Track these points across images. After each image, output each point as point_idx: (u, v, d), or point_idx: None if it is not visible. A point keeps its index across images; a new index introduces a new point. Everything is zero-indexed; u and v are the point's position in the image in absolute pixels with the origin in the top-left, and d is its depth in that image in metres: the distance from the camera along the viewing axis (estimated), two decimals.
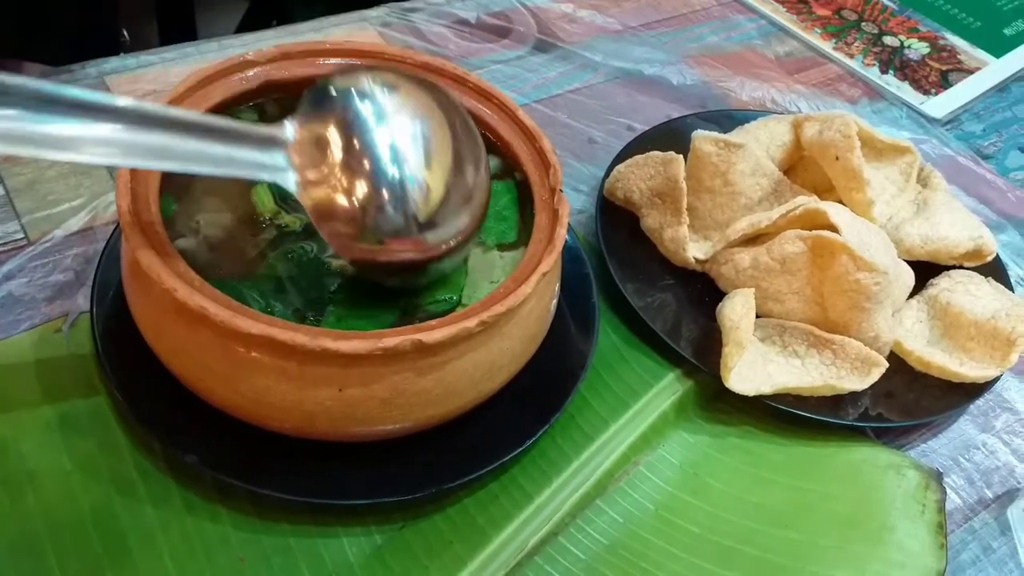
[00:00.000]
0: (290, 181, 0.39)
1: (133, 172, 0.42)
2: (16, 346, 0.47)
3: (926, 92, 0.81)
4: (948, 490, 0.51)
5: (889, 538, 0.47)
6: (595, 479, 0.48)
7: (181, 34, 1.30)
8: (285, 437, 0.43)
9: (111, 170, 0.57)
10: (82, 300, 0.50)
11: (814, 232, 0.52)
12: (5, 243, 0.52)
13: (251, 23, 1.24)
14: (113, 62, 0.64)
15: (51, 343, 0.48)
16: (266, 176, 0.40)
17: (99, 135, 0.34)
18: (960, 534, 0.50)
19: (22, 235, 0.53)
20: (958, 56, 0.86)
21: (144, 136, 0.35)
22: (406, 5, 0.76)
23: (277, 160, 0.39)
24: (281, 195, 0.46)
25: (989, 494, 0.52)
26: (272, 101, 0.48)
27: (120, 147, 0.35)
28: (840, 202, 0.57)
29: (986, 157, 0.76)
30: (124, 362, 0.45)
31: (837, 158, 0.56)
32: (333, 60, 0.50)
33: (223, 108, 0.47)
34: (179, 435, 0.43)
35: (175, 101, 0.44)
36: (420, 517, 0.45)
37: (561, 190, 0.47)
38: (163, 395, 0.43)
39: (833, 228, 0.52)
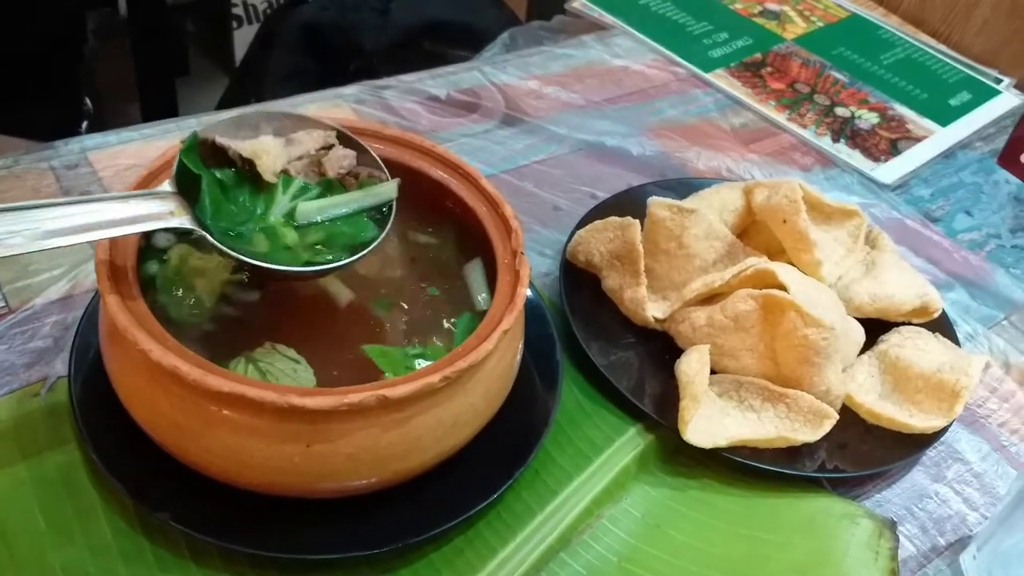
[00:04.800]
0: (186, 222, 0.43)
1: (112, 241, 0.44)
2: None
3: (876, 159, 0.85)
4: (902, 538, 0.53)
5: None
6: (559, 532, 0.49)
7: (163, 111, 1.34)
8: (255, 494, 0.44)
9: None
10: (60, 365, 0.51)
11: (764, 291, 0.54)
12: None
13: (231, 100, 1.28)
14: (96, 138, 0.67)
15: (29, 407, 0.49)
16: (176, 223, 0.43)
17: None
18: None
19: (3, 304, 0.54)
20: (906, 125, 0.91)
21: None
22: (379, 83, 0.80)
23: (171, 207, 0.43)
24: None
25: (942, 542, 0.54)
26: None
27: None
28: (790, 263, 0.60)
29: (935, 220, 0.80)
30: (99, 423, 0.46)
31: (785, 221, 0.59)
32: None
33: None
34: (151, 493, 0.44)
35: (152, 175, 0.47)
36: (388, 572, 0.46)
37: (522, 252, 0.49)
38: (137, 455, 0.45)
39: (782, 287, 0.55)
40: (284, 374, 0.45)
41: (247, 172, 0.47)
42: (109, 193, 0.42)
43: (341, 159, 0.49)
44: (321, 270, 0.46)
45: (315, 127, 0.49)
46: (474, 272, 0.52)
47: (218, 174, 0.46)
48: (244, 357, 0.46)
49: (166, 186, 0.44)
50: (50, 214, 0.40)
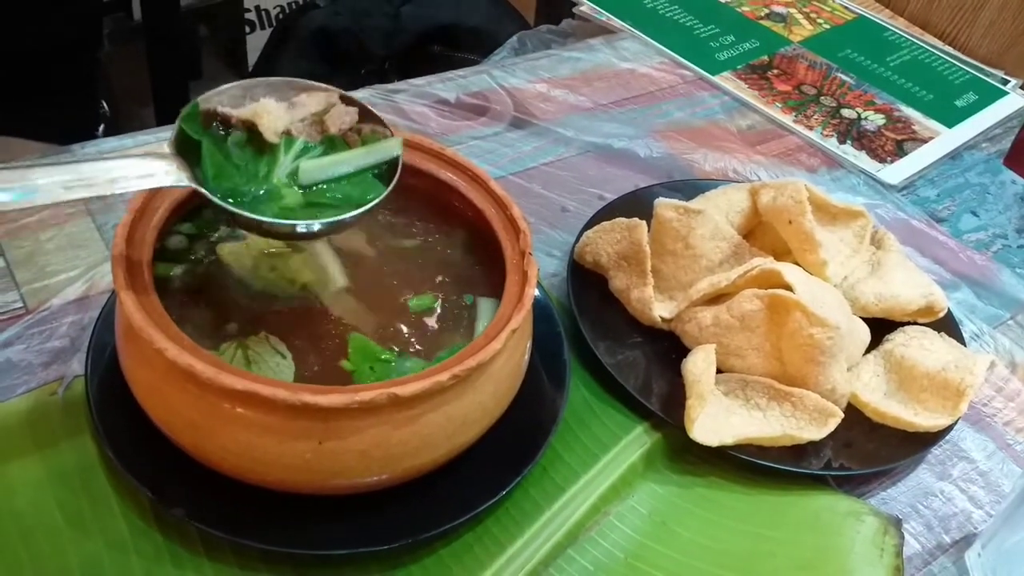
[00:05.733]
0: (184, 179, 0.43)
1: (128, 241, 0.45)
2: (12, 409, 0.50)
3: (882, 160, 0.85)
4: (908, 536, 0.53)
5: None
6: (566, 529, 0.50)
7: (177, 114, 1.35)
8: (268, 491, 0.45)
9: (107, 242, 0.60)
10: (77, 365, 0.52)
11: (770, 291, 0.55)
12: (4, 312, 0.55)
13: None
14: (112, 141, 0.68)
15: (46, 406, 0.50)
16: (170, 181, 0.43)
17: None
18: None
19: (21, 304, 0.56)
20: (912, 127, 0.91)
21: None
22: (389, 87, 0.81)
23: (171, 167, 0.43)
24: None
25: (947, 539, 0.54)
26: None
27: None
28: (796, 263, 0.60)
29: (940, 220, 0.80)
30: (115, 421, 0.47)
31: (790, 222, 0.59)
32: None
33: None
34: (167, 489, 0.45)
35: None
36: (397, 567, 0.47)
37: (531, 253, 0.50)
38: (152, 452, 0.46)
39: (788, 287, 0.55)
40: (268, 367, 0.46)
41: (250, 136, 0.46)
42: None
43: (343, 115, 0.48)
44: (319, 224, 0.45)
45: (317, 90, 0.48)
46: (485, 307, 0.51)
47: (219, 136, 0.46)
48: (237, 342, 0.46)
49: (164, 147, 0.44)
50: (45, 172, 0.40)
